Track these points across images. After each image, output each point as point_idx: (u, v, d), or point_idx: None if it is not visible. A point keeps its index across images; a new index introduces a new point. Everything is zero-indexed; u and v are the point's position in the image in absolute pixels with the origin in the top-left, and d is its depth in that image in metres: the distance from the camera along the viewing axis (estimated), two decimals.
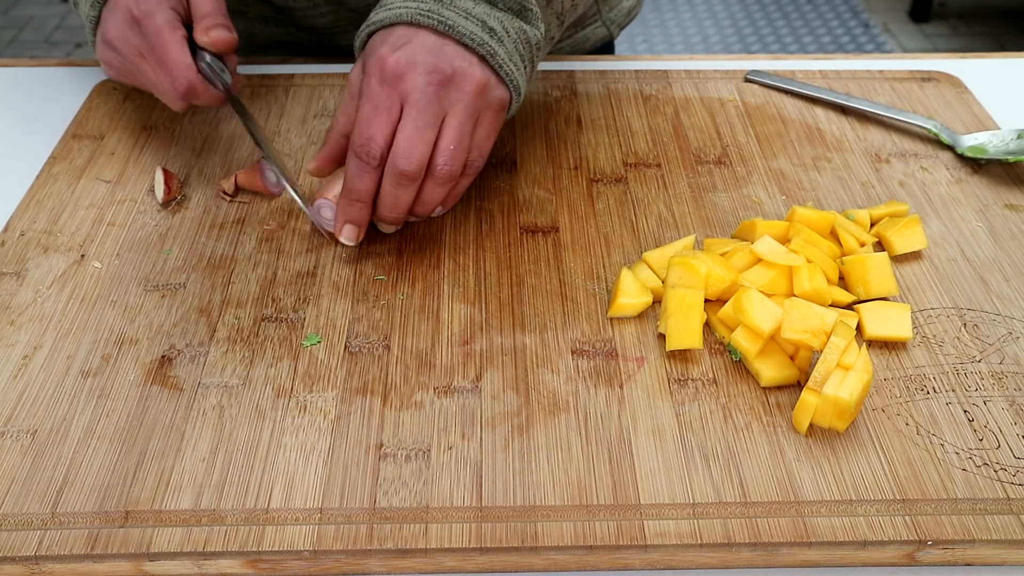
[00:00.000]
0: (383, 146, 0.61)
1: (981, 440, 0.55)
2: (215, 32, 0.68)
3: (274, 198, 0.72)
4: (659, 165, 0.77)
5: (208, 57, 0.69)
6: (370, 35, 0.65)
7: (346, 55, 0.91)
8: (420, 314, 0.63)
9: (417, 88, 0.60)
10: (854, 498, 0.52)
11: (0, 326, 0.62)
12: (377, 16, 0.64)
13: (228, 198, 0.72)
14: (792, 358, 0.59)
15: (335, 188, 0.65)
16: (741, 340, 0.59)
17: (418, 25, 0.62)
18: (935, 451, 0.55)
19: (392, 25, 0.63)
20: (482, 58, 0.63)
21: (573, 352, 0.60)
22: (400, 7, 0.63)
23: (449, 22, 0.62)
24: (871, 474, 0.53)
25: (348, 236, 0.64)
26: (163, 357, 0.60)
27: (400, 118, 0.61)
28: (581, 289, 0.65)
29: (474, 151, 0.64)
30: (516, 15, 0.65)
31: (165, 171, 0.72)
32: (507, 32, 0.64)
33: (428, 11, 0.62)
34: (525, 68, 0.66)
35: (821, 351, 0.56)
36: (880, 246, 0.68)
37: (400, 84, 0.60)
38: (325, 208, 0.66)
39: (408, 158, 0.60)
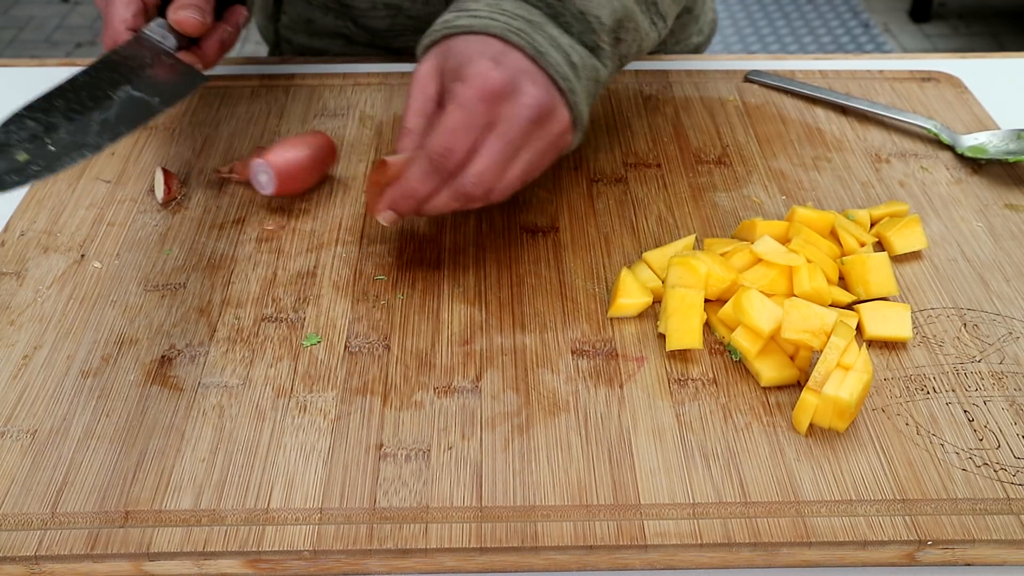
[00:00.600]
0: (462, 161, 0.58)
1: (981, 440, 0.55)
2: (183, 12, 0.67)
3: (274, 199, 0.72)
4: (659, 165, 0.77)
5: (156, 26, 0.68)
6: (446, 38, 0.62)
7: (399, 56, 0.92)
8: (420, 314, 0.63)
9: (517, 118, 0.58)
10: (854, 498, 0.52)
11: (0, 326, 0.62)
12: (461, 21, 0.61)
13: (225, 174, 0.73)
14: (792, 358, 0.59)
15: (279, 150, 0.66)
16: (741, 340, 0.59)
17: (508, 43, 0.59)
18: (935, 451, 0.55)
19: (478, 34, 0.60)
20: (562, 93, 0.60)
21: (573, 352, 0.60)
22: (487, 17, 0.60)
23: (541, 48, 0.59)
24: (871, 474, 0.53)
25: (388, 220, 0.62)
26: (163, 357, 0.60)
27: (484, 135, 0.58)
28: (581, 289, 0.65)
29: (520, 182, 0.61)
30: (590, 51, 0.63)
31: (165, 171, 0.72)
32: (584, 67, 0.62)
33: (519, 30, 0.59)
34: (588, 107, 0.63)
35: (821, 351, 0.56)
36: (880, 246, 0.68)
37: (500, 106, 0.58)
38: (261, 172, 0.66)
39: (479, 183, 0.58)
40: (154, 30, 0.68)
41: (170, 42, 0.68)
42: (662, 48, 0.96)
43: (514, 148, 0.58)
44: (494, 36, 0.59)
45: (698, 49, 1.01)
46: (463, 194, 0.59)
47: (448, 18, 0.62)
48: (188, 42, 0.70)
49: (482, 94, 0.57)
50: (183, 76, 0.67)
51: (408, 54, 0.91)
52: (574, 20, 0.62)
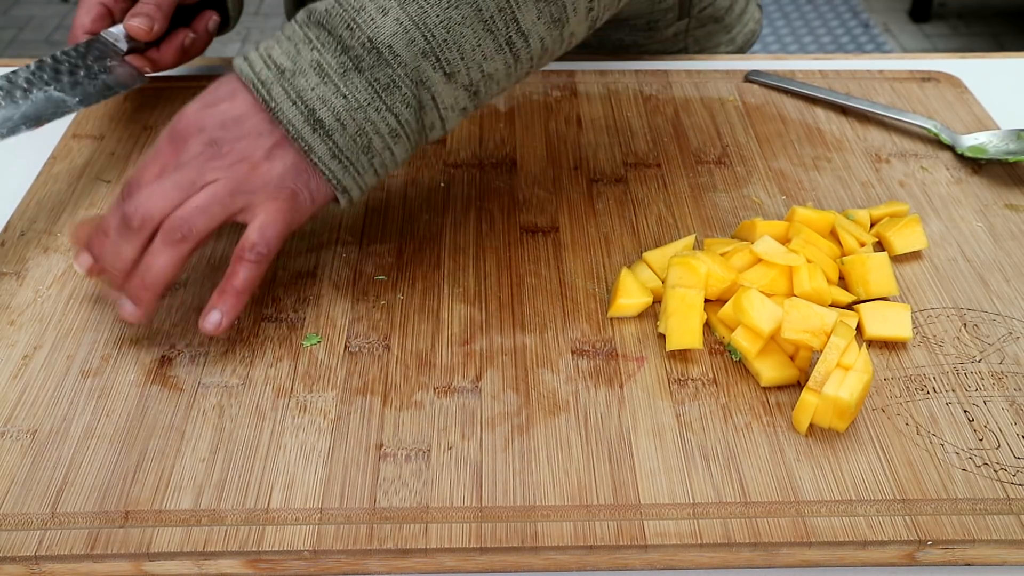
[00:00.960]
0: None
1: (981, 440, 0.55)
2: (133, 20, 0.73)
3: None
4: (659, 165, 0.77)
5: (116, 30, 0.75)
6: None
7: None
8: (420, 314, 0.63)
9: (190, 152, 0.56)
10: (854, 498, 0.52)
11: (0, 326, 0.62)
12: (236, 59, 0.57)
13: None
14: (792, 358, 0.59)
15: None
16: (741, 340, 0.59)
17: (244, 88, 0.56)
18: (935, 451, 0.55)
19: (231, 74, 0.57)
20: (300, 151, 0.56)
21: (573, 352, 0.60)
22: (255, 59, 0.56)
23: (275, 100, 0.55)
24: (871, 474, 0.53)
25: (83, 267, 0.59)
26: (163, 357, 0.60)
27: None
28: (581, 289, 0.65)
29: (255, 234, 0.56)
30: (382, 91, 0.55)
31: None
32: (349, 119, 0.55)
33: (265, 81, 0.55)
34: (372, 159, 0.57)
35: (821, 351, 0.56)
36: (880, 246, 0.68)
37: (182, 146, 0.56)
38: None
39: (138, 208, 0.55)
40: (111, 34, 0.75)
41: (122, 45, 0.74)
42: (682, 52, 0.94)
43: (181, 193, 0.55)
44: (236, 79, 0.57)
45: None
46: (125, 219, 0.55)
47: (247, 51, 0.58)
48: (144, 46, 0.76)
49: (173, 134, 0.57)
50: (118, 77, 0.73)
51: None
52: (364, 53, 0.54)
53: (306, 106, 0.54)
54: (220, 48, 2.96)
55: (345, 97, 0.55)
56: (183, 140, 0.56)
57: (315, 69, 0.55)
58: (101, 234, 0.57)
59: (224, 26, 0.82)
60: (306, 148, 0.55)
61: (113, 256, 0.56)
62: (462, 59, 0.56)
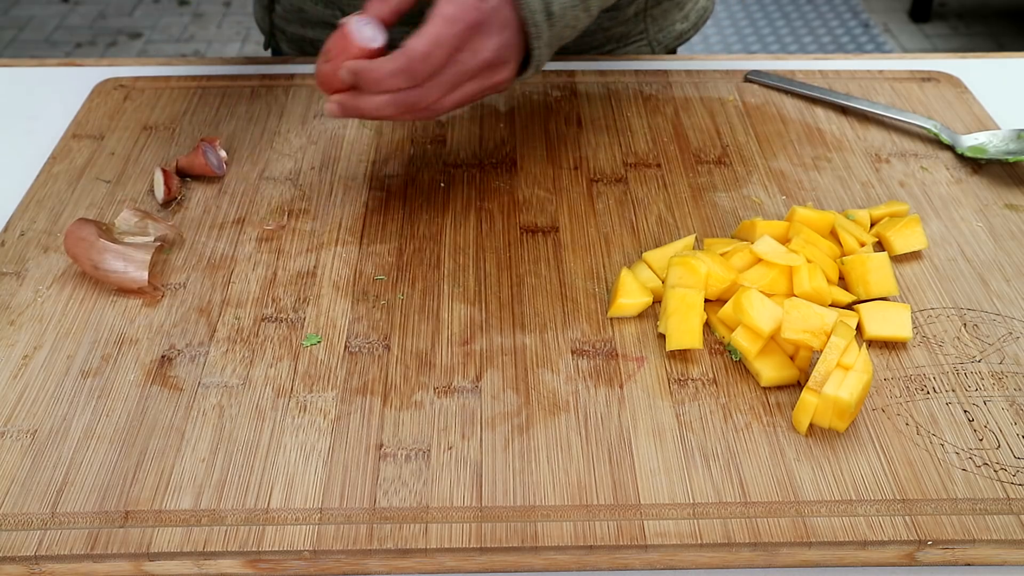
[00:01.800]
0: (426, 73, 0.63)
1: (981, 440, 0.55)
2: None
3: (218, 179, 0.72)
4: (659, 165, 0.77)
5: None
6: None
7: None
8: (420, 314, 0.63)
9: (474, 59, 0.63)
10: (854, 498, 0.52)
11: (0, 326, 0.62)
12: None
13: (167, 194, 0.72)
14: (792, 358, 0.59)
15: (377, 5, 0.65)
16: (741, 340, 0.59)
17: None
18: (935, 451, 0.55)
19: None
20: (527, 36, 0.65)
21: (573, 352, 0.60)
22: None
23: None
24: (871, 474, 0.53)
25: (333, 113, 0.65)
26: (163, 357, 0.60)
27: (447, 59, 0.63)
28: (581, 289, 0.65)
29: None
30: None
31: (165, 171, 0.72)
32: (562, 16, 0.66)
33: None
34: (554, 48, 0.67)
35: (821, 351, 0.56)
36: (880, 246, 0.68)
37: (469, 39, 0.62)
38: (366, 26, 0.64)
39: (424, 97, 0.63)
40: None
41: None
42: (643, 36, 0.96)
43: (462, 80, 0.64)
44: None
45: (682, 36, 1.00)
46: (407, 104, 0.63)
47: None
48: None
49: (463, 23, 0.62)
50: None
51: (394, 44, 0.91)
52: None
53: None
54: (220, 48, 2.96)
55: None
56: (471, 31, 0.63)
57: None
58: (374, 90, 0.63)
59: None
60: (536, 35, 0.65)
61: (377, 111, 0.64)
62: None
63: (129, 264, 0.63)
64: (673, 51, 1.00)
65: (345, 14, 0.92)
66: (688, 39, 1.02)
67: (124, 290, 0.64)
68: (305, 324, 0.62)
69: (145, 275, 0.63)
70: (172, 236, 0.68)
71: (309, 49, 0.97)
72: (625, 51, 0.96)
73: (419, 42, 0.61)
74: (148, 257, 0.64)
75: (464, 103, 0.66)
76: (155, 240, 0.67)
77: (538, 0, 0.64)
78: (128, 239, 0.66)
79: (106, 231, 0.65)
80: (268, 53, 1.06)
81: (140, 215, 0.68)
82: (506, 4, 0.64)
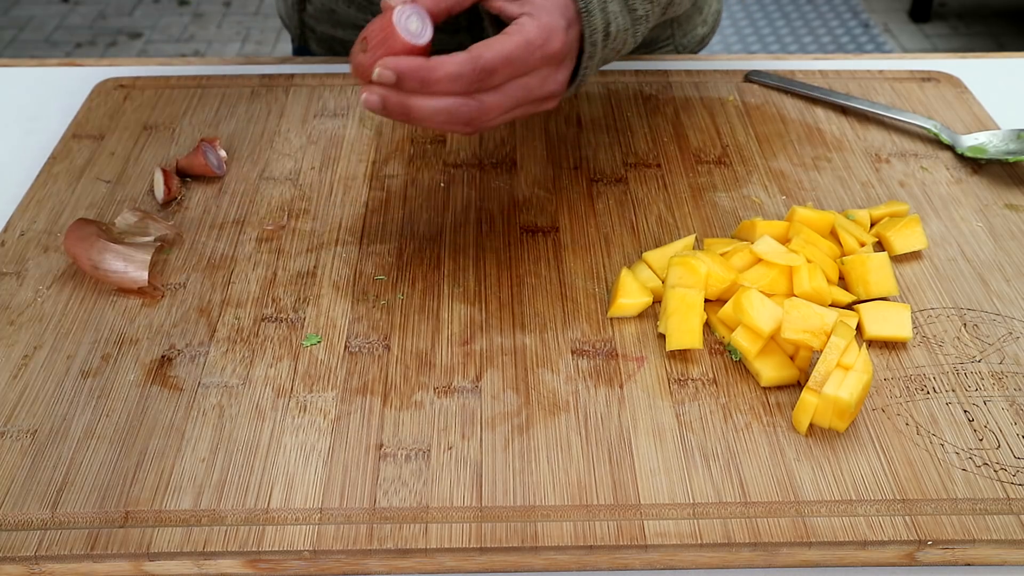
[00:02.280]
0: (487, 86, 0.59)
1: (981, 440, 0.55)
2: None
3: (217, 179, 0.72)
4: (659, 165, 0.77)
5: None
6: None
7: None
8: (420, 314, 0.63)
9: (540, 88, 0.60)
10: (854, 498, 0.52)
11: (0, 326, 0.62)
12: None
13: (167, 194, 0.72)
14: (792, 358, 0.59)
15: None
16: (741, 340, 0.59)
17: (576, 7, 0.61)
18: (935, 451, 0.55)
19: None
20: (580, 56, 0.63)
21: (573, 352, 0.60)
22: None
23: (591, 9, 0.61)
24: (871, 474, 0.53)
25: (371, 105, 0.59)
26: (163, 357, 0.60)
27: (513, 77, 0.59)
28: (581, 289, 0.65)
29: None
30: (634, 20, 0.65)
31: (165, 171, 0.72)
32: (616, 39, 0.64)
33: None
34: (596, 72, 0.66)
35: (821, 351, 0.56)
36: (880, 246, 0.68)
37: (541, 67, 0.60)
38: (413, 16, 0.58)
39: (479, 113, 0.58)
40: None
41: None
42: (669, 41, 0.97)
43: (518, 104, 0.60)
44: None
45: (704, 40, 1.01)
46: (463, 117, 0.58)
47: None
48: None
49: (542, 53, 0.58)
50: None
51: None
52: None
53: (606, 17, 0.62)
54: (220, 48, 2.96)
55: (620, 14, 0.64)
56: (547, 61, 0.60)
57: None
58: (424, 91, 0.57)
59: None
60: (590, 54, 0.62)
61: (425, 116, 0.58)
62: None
63: (129, 264, 0.63)
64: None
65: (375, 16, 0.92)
66: (708, 42, 1.02)
67: (124, 290, 0.64)
68: (305, 324, 0.62)
69: (145, 275, 0.63)
70: (172, 236, 0.68)
71: (339, 49, 0.96)
72: (650, 57, 0.96)
73: (490, 54, 0.57)
74: (148, 257, 0.64)
75: (507, 121, 0.62)
76: (155, 240, 0.67)
77: (600, 21, 0.62)
78: (128, 239, 0.66)
79: (106, 231, 0.65)
80: (290, 52, 1.05)
81: (140, 215, 0.68)
82: (576, 29, 0.61)
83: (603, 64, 0.66)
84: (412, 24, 0.58)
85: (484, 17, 0.65)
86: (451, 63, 0.56)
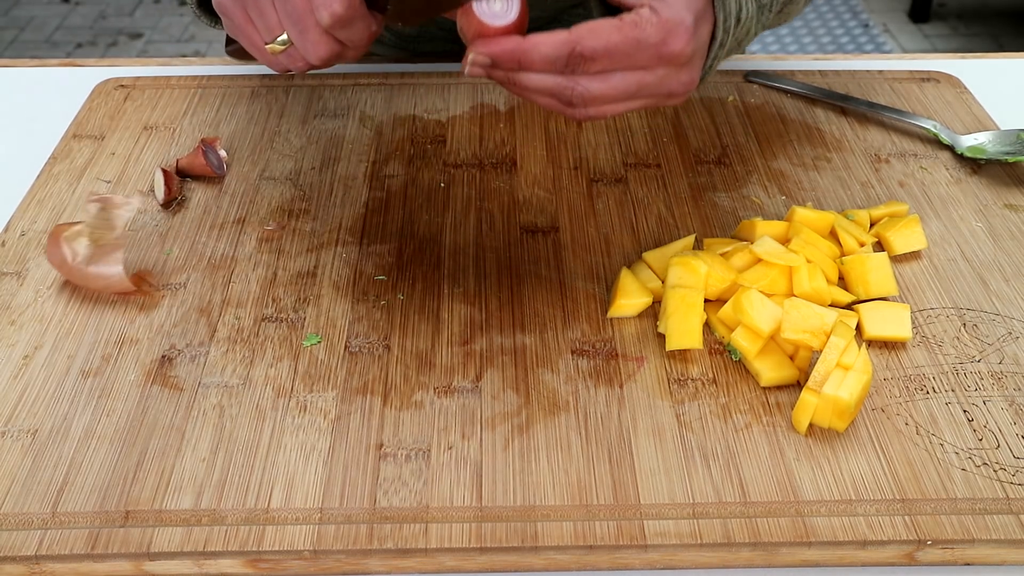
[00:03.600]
0: (591, 70, 0.54)
1: (981, 440, 0.55)
2: None
3: (218, 179, 0.73)
4: (659, 165, 0.77)
5: None
6: None
7: (424, 58, 0.93)
8: (420, 314, 0.63)
9: (662, 84, 0.55)
10: (854, 498, 0.52)
11: (0, 326, 0.62)
12: None
13: (167, 194, 0.72)
14: (792, 358, 0.59)
15: None
16: (741, 340, 0.59)
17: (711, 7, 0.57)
18: (935, 451, 0.55)
19: None
20: (708, 54, 0.58)
21: (573, 352, 0.60)
22: None
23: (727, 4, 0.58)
24: (871, 474, 0.53)
25: (473, 72, 0.54)
26: (163, 357, 0.60)
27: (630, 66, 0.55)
28: (581, 289, 0.65)
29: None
30: (759, 9, 0.62)
31: (165, 171, 0.72)
32: (741, 28, 0.60)
33: None
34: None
35: (821, 351, 0.56)
36: (880, 246, 0.68)
37: (661, 63, 0.55)
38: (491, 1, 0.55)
39: (587, 98, 0.54)
40: None
41: None
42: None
43: (630, 96, 0.55)
44: None
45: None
46: (561, 95, 0.54)
47: None
48: None
49: (660, 50, 0.53)
50: None
51: (432, 57, 0.92)
52: None
53: (737, 6, 0.58)
54: (220, 48, 2.96)
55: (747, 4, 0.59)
56: (669, 61, 0.55)
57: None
58: (517, 70, 0.54)
59: None
60: (714, 56, 0.58)
61: (534, 90, 0.54)
62: None
63: (102, 270, 0.63)
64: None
65: (387, 29, 0.93)
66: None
67: (122, 292, 0.64)
68: (305, 324, 0.62)
69: (124, 276, 0.63)
70: (132, 211, 0.65)
71: (367, 59, 0.95)
72: None
73: (591, 41, 0.52)
74: (120, 255, 0.63)
75: (626, 112, 0.57)
76: (123, 227, 0.65)
77: (734, 6, 0.57)
78: (98, 238, 0.64)
79: (76, 237, 0.64)
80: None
81: (99, 203, 0.65)
82: (708, 25, 0.56)
83: (727, 57, 0.60)
84: (495, 6, 0.55)
85: None
86: (546, 45, 0.52)
